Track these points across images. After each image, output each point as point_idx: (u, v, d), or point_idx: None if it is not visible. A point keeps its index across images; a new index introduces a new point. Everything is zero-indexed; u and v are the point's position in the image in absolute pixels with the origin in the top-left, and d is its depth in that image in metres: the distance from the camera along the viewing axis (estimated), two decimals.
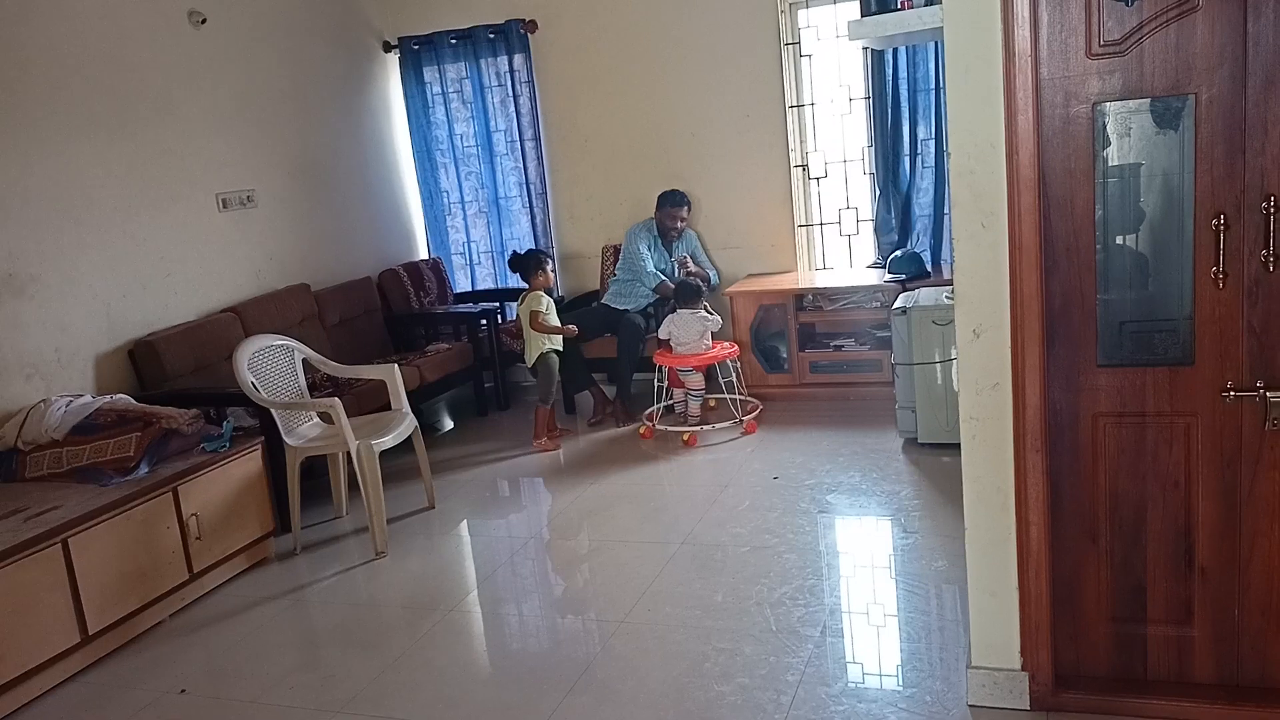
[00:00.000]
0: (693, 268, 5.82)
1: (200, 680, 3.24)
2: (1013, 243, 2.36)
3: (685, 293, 5.32)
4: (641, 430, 5.34)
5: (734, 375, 5.36)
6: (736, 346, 5.40)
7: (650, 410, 5.43)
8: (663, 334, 5.29)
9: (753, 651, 3.02)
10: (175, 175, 4.83)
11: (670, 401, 5.47)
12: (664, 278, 5.70)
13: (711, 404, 5.50)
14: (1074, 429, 2.45)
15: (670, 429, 5.27)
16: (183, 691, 3.16)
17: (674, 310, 5.30)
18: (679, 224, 5.84)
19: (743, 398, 5.42)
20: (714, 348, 5.27)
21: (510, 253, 5.53)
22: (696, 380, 5.31)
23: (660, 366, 5.37)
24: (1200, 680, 2.48)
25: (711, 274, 5.91)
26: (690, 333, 5.22)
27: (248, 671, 3.26)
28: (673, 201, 5.81)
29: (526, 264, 5.32)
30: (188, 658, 3.39)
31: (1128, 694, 2.49)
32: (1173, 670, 2.50)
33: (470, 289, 6.71)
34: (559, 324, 5.34)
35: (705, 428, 5.23)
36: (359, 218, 6.16)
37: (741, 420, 5.23)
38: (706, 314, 5.27)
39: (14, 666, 3.05)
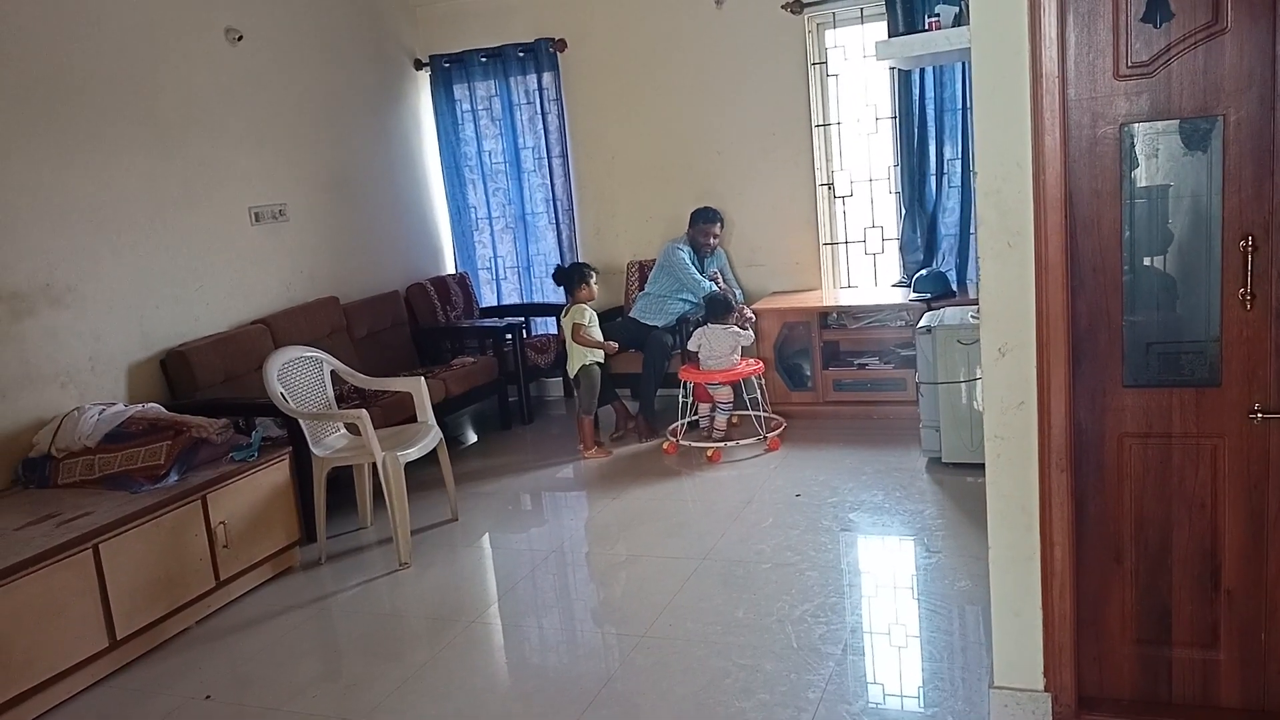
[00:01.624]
0: (722, 284, 5.85)
1: (225, 687, 3.27)
2: (1039, 262, 2.36)
3: (716, 307, 5.35)
4: (665, 446, 5.35)
5: (759, 392, 5.37)
6: (762, 363, 5.43)
7: (675, 426, 5.44)
8: (692, 345, 5.32)
9: (774, 668, 3.02)
10: (209, 189, 4.91)
11: (695, 417, 5.48)
12: (714, 285, 5.73)
13: (735, 420, 5.50)
14: (1099, 449, 2.44)
15: (694, 445, 5.28)
16: (207, 698, 3.19)
17: (705, 324, 5.33)
18: (713, 240, 5.87)
19: (767, 415, 5.42)
20: (741, 364, 5.29)
21: (555, 267, 5.64)
22: (725, 394, 5.33)
23: (685, 382, 5.39)
24: (1226, 705, 2.45)
25: (738, 293, 5.92)
26: (722, 347, 5.24)
27: (271, 679, 3.29)
28: (706, 218, 5.84)
29: (570, 277, 5.39)
30: (213, 664, 3.42)
31: (1152, 717, 2.47)
32: (1198, 694, 2.48)
33: (496, 304, 6.77)
34: (601, 338, 5.38)
35: (729, 444, 5.24)
36: (388, 232, 6.23)
37: (765, 437, 5.25)
38: (739, 329, 5.32)
39: (43, 670, 3.09)
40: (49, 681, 3.12)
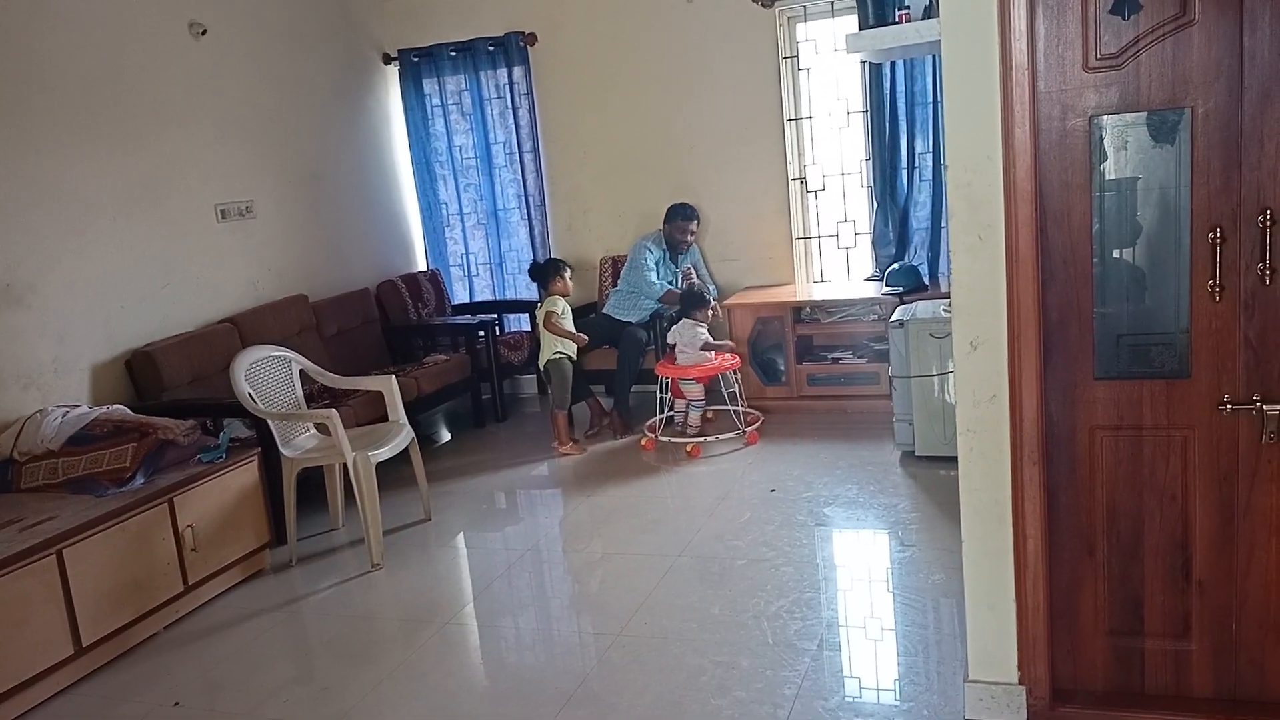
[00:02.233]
0: (695, 280, 5.84)
1: (195, 693, 3.22)
2: (1010, 255, 2.36)
3: (691, 300, 5.39)
4: (643, 442, 5.33)
5: (736, 386, 5.36)
6: (738, 357, 5.41)
7: (652, 421, 5.42)
8: (671, 338, 5.35)
9: (750, 665, 3.01)
10: (174, 186, 4.84)
11: (671, 413, 5.44)
12: (669, 286, 5.71)
13: (710, 415, 5.49)
14: (1071, 441, 2.44)
15: (673, 440, 5.27)
16: (176, 704, 3.14)
17: (682, 318, 5.35)
18: (689, 237, 5.84)
19: (744, 409, 5.41)
20: (716, 359, 5.28)
21: (530, 263, 5.68)
22: (696, 391, 5.33)
23: (663, 378, 5.38)
24: (1198, 694, 2.47)
25: (711, 289, 5.91)
26: (691, 342, 5.26)
27: (242, 684, 3.24)
28: (683, 215, 5.81)
29: (545, 271, 5.46)
30: (182, 670, 3.37)
31: (1125, 708, 2.48)
32: (1170, 684, 2.49)
33: (468, 300, 6.72)
34: (573, 329, 5.39)
35: (708, 439, 5.24)
36: (357, 229, 6.17)
37: (744, 431, 5.24)
38: (698, 322, 5.33)
39: (6, 679, 3.03)
40: (13, 690, 3.06)
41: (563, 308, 5.39)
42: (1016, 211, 2.33)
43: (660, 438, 5.31)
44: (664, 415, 5.42)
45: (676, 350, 5.28)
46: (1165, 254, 2.36)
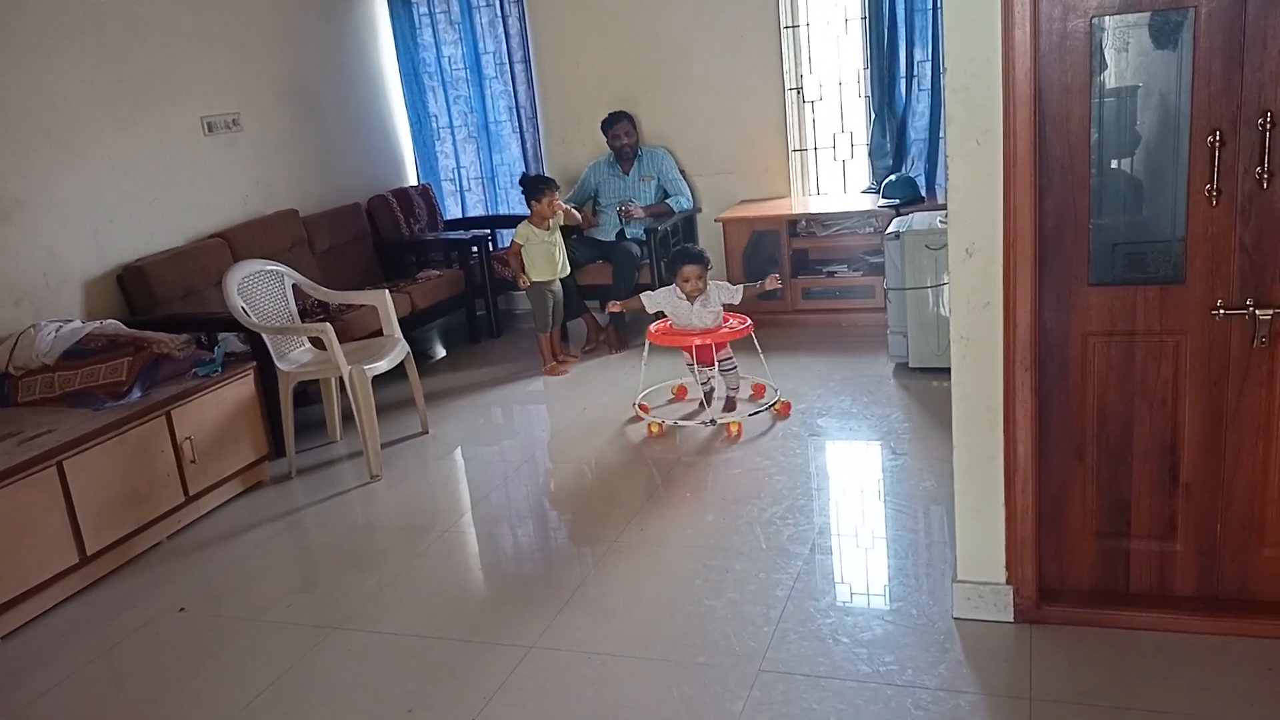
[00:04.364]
0: (637, 211, 5.72)
1: (199, 599, 3.29)
2: (1007, 160, 2.34)
3: (675, 261, 4.34)
4: (651, 428, 4.26)
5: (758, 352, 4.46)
6: (750, 321, 4.40)
7: (641, 400, 4.54)
8: (651, 306, 4.42)
9: (743, 569, 3.07)
10: (159, 97, 4.75)
11: (705, 384, 4.44)
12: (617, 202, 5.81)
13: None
14: (1064, 348, 2.46)
15: (686, 424, 4.29)
16: (181, 610, 3.21)
17: (673, 284, 4.35)
18: (624, 139, 5.81)
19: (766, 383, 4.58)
20: (726, 321, 4.39)
21: (521, 174, 5.52)
22: (725, 351, 4.38)
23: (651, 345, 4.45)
24: (1181, 593, 2.54)
25: (681, 200, 5.88)
26: (699, 319, 4.31)
27: (245, 590, 3.31)
28: (611, 120, 5.82)
29: (534, 186, 5.20)
30: (186, 578, 3.43)
31: (1110, 607, 2.55)
32: (1155, 584, 2.55)
33: (461, 215, 6.66)
34: (552, 256, 5.20)
35: (740, 415, 4.28)
36: (347, 143, 6.08)
37: (775, 405, 4.33)
38: (720, 290, 4.34)
39: (15, 585, 3.09)
40: (21, 597, 3.12)
41: (527, 236, 5.11)
42: (1015, 116, 2.31)
43: (668, 419, 4.32)
44: (644, 391, 4.58)
45: (676, 325, 4.36)
46: (1163, 161, 2.35)
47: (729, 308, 4.40)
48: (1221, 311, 2.32)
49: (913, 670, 2.49)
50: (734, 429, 4.16)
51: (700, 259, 4.29)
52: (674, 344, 4.38)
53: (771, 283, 4.44)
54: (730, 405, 4.42)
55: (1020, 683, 2.39)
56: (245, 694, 2.69)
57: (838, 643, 2.64)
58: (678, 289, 4.29)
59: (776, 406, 4.34)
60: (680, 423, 4.32)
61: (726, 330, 4.31)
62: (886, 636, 2.65)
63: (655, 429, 4.26)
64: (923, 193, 5.49)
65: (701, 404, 4.45)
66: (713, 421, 4.24)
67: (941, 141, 5.46)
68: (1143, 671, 2.39)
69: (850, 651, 2.60)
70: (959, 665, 2.49)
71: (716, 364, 4.35)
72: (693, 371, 4.43)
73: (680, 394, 4.66)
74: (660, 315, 4.47)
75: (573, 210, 5.39)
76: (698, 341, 4.25)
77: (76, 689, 2.83)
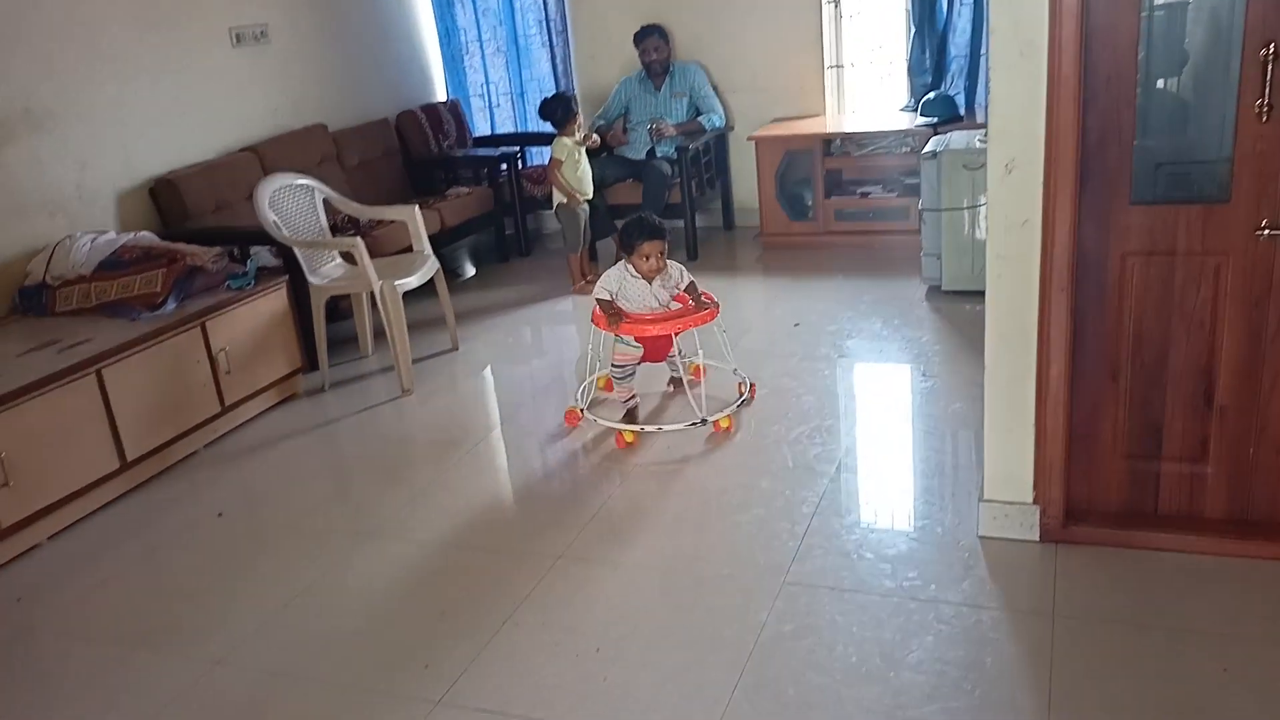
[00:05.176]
0: (668, 129, 5.62)
1: (236, 505, 3.37)
2: (1052, 73, 2.27)
3: (633, 232, 3.50)
4: (621, 437, 3.49)
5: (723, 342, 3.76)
6: (714, 304, 3.57)
7: (583, 389, 3.84)
8: (603, 292, 3.54)
9: (769, 486, 3.10)
10: (188, 8, 4.70)
11: (677, 376, 3.77)
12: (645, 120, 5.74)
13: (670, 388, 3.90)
14: (1102, 268, 2.42)
15: (605, 423, 3.58)
16: (220, 515, 3.29)
17: (623, 261, 3.60)
18: (655, 54, 5.71)
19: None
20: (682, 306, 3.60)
21: (540, 101, 5.29)
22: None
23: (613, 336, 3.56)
24: (1210, 516, 2.53)
25: (714, 118, 5.77)
26: (647, 304, 3.54)
27: (282, 498, 3.39)
28: (640, 37, 5.71)
29: (554, 109, 5.12)
30: (223, 485, 3.51)
31: (1137, 528, 2.55)
32: (1184, 506, 2.55)
33: (490, 132, 6.60)
34: (578, 177, 5.13)
35: (658, 428, 3.54)
36: (375, 57, 6.00)
37: (704, 418, 3.47)
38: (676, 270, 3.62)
39: (59, 489, 3.17)
40: (65, 500, 3.21)
41: (568, 151, 5.05)
42: (1061, 27, 2.24)
43: (608, 422, 3.57)
44: (592, 379, 3.85)
45: (629, 309, 3.53)
46: (1212, 79, 2.28)
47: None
48: (1266, 232, 2.27)
49: (936, 586, 2.51)
50: (724, 424, 3.49)
51: (661, 233, 3.50)
52: (628, 333, 3.48)
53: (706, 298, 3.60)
54: (677, 386, 3.80)
55: (1044, 600, 2.42)
56: (281, 596, 2.77)
57: (862, 558, 2.67)
58: (630, 267, 3.54)
59: (740, 404, 3.64)
60: (665, 429, 3.52)
61: (693, 314, 3.47)
62: (911, 553, 2.67)
63: (630, 438, 3.48)
64: (961, 111, 5.36)
65: (671, 383, 3.86)
66: (703, 421, 3.49)
67: (982, 59, 5.31)
68: (1168, 591, 2.40)
69: (874, 567, 2.63)
70: (982, 582, 2.51)
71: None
72: (675, 367, 3.72)
73: (607, 386, 3.79)
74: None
75: (577, 197, 5.20)
76: (654, 331, 3.49)
77: (119, 588, 2.93)
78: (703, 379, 3.73)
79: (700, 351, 3.65)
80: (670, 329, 3.51)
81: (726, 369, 3.81)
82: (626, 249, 3.54)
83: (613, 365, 3.61)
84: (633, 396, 3.66)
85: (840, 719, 2.11)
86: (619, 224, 3.82)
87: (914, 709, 2.12)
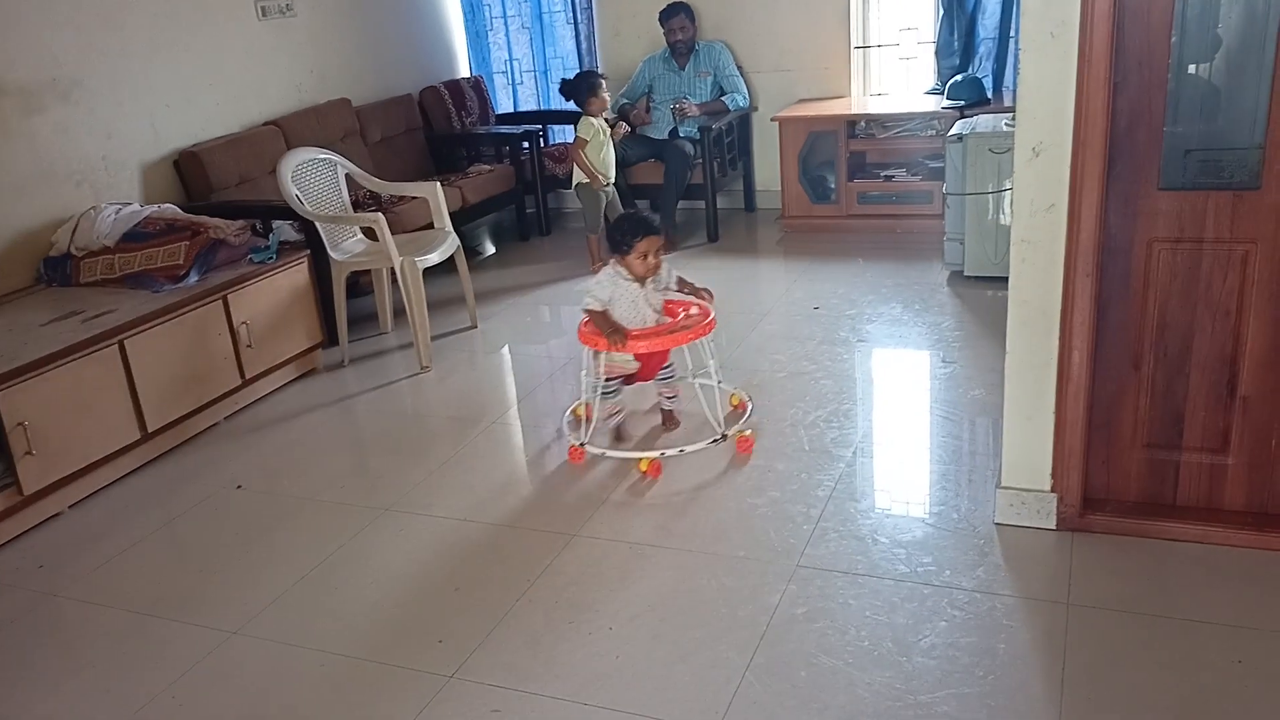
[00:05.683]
0: (691, 109, 5.57)
1: (255, 478, 3.39)
2: (1082, 55, 2.24)
3: (620, 229, 3.17)
4: (574, 448, 3.26)
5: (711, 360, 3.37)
6: (711, 315, 3.22)
7: (583, 408, 3.43)
8: (598, 305, 3.17)
9: (785, 468, 3.09)
10: None
11: (667, 397, 3.45)
12: (669, 99, 5.70)
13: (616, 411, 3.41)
14: (1127, 254, 2.39)
15: (618, 454, 3.23)
16: (239, 487, 3.32)
17: (612, 263, 3.24)
18: (680, 33, 5.66)
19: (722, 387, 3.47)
20: (674, 319, 3.26)
21: (561, 80, 5.20)
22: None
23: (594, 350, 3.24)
24: (1229, 507, 2.51)
25: (738, 98, 5.72)
26: (641, 312, 3.20)
27: (300, 471, 3.41)
28: (666, 14, 5.66)
29: (578, 88, 5.02)
30: (243, 457, 3.54)
31: (1156, 518, 2.53)
32: (1203, 496, 2.53)
33: (513, 110, 6.58)
34: (601, 158, 5.05)
35: (674, 451, 3.19)
36: (399, 32, 5.99)
37: (724, 434, 3.20)
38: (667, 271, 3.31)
39: (80, 457, 3.21)
40: (87, 468, 3.24)
41: (594, 131, 4.99)
42: (1093, 6, 2.20)
43: (595, 449, 3.25)
44: (590, 396, 3.34)
45: (620, 318, 3.17)
46: (1246, 63, 2.24)
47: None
48: None
49: (950, 572, 2.50)
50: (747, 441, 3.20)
51: (659, 228, 3.20)
52: (631, 350, 3.15)
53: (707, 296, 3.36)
54: (670, 421, 3.43)
55: (1058, 588, 2.40)
56: (300, 568, 2.79)
57: (876, 543, 2.66)
58: (621, 269, 3.18)
59: (737, 434, 3.21)
60: (667, 452, 3.19)
61: (685, 327, 3.12)
62: (926, 539, 2.66)
63: (644, 466, 3.14)
64: (989, 94, 5.29)
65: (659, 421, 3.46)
66: (723, 437, 3.20)
67: (1011, 41, 5.24)
68: (1185, 582, 2.38)
69: (889, 551, 2.62)
70: (997, 569, 2.50)
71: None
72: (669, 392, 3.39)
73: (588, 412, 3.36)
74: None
75: (599, 179, 5.10)
76: (644, 347, 3.11)
77: (138, 557, 2.96)
78: (749, 408, 3.40)
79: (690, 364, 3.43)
80: (677, 341, 3.13)
81: (712, 384, 3.36)
82: (621, 248, 3.14)
83: (602, 381, 3.23)
84: (618, 412, 3.34)
85: (851, 702, 2.11)
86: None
87: (925, 694, 2.11)
